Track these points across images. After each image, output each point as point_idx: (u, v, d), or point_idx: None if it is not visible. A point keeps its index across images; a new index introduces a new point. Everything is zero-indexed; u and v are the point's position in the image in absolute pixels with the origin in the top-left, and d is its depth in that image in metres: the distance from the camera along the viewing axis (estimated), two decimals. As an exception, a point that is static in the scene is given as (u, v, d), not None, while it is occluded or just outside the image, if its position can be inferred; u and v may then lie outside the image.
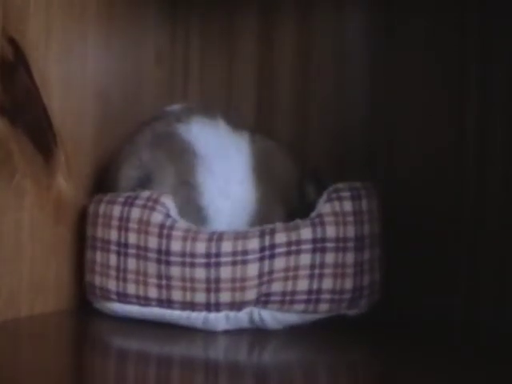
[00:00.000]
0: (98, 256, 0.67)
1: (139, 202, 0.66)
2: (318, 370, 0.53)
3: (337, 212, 0.65)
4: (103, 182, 0.73)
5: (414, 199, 0.78)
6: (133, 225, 0.65)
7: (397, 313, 0.76)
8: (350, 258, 0.65)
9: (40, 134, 0.68)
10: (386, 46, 0.80)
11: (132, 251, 0.65)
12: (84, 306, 0.72)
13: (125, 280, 0.66)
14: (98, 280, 0.67)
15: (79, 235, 0.73)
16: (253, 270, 0.63)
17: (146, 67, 0.85)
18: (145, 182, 0.68)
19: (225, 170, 0.69)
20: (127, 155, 0.70)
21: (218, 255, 0.63)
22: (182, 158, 0.69)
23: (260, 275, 0.63)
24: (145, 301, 0.65)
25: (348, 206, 0.66)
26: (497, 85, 0.75)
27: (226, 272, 0.63)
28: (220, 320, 0.64)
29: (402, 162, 0.79)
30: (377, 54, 0.81)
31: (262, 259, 0.63)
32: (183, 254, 0.63)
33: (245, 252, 0.63)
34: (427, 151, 0.78)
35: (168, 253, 0.64)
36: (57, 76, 0.70)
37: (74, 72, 0.73)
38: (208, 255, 0.63)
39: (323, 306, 0.65)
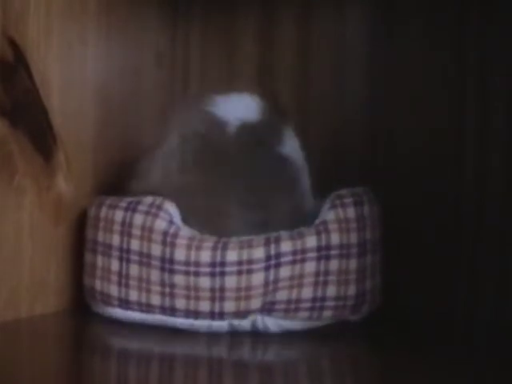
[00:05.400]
0: (99, 260, 0.67)
1: (142, 207, 0.65)
2: (320, 365, 0.53)
3: (340, 219, 0.65)
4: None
5: (414, 199, 0.78)
6: (136, 231, 0.65)
7: (397, 313, 0.76)
8: (353, 264, 0.65)
9: (40, 135, 0.68)
10: (385, 46, 0.80)
11: (135, 258, 0.65)
12: (84, 306, 0.72)
13: (127, 286, 0.65)
14: (98, 284, 0.67)
15: (79, 235, 0.73)
16: (258, 279, 0.62)
17: (146, 67, 0.85)
18: None
19: None
20: None
21: (222, 264, 0.62)
22: None
23: (265, 284, 0.62)
24: (147, 308, 0.65)
25: (351, 212, 0.66)
26: (497, 84, 0.75)
27: (230, 281, 0.62)
28: (223, 327, 0.64)
29: (401, 162, 0.79)
30: (377, 54, 0.81)
31: (267, 268, 0.62)
32: (187, 263, 0.63)
33: (250, 261, 0.62)
34: (427, 151, 0.78)
35: (172, 261, 0.63)
36: (57, 76, 0.70)
37: (74, 72, 0.73)
38: (213, 264, 0.62)
39: (327, 313, 0.65)
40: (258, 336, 0.64)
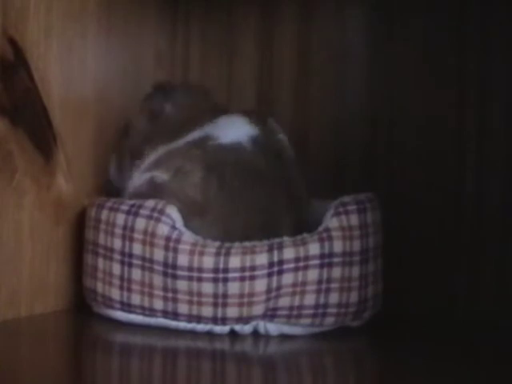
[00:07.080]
0: (101, 263, 0.67)
1: (144, 212, 0.65)
2: (320, 365, 0.53)
3: (344, 226, 0.65)
4: None
5: (414, 198, 0.78)
6: (138, 235, 0.64)
7: (397, 313, 0.76)
8: (355, 271, 0.65)
9: (40, 134, 0.68)
10: (385, 46, 0.80)
11: (137, 262, 0.65)
12: (84, 305, 0.72)
13: (129, 290, 0.65)
14: (100, 287, 0.67)
15: (79, 235, 0.73)
16: (261, 285, 0.62)
17: (146, 67, 0.85)
18: None
19: None
20: None
21: (225, 270, 0.62)
22: None
23: (268, 291, 0.62)
24: (150, 312, 0.65)
25: (354, 219, 0.65)
26: (496, 84, 0.75)
27: (233, 287, 0.62)
28: (225, 332, 0.64)
29: (401, 162, 0.79)
30: (377, 53, 0.81)
31: (270, 275, 0.62)
32: (190, 269, 0.62)
33: (253, 268, 0.62)
34: (427, 151, 0.78)
35: (175, 266, 0.63)
36: (57, 76, 0.70)
37: (74, 72, 0.73)
38: (216, 270, 0.62)
39: (329, 320, 0.64)
40: (259, 336, 0.64)
